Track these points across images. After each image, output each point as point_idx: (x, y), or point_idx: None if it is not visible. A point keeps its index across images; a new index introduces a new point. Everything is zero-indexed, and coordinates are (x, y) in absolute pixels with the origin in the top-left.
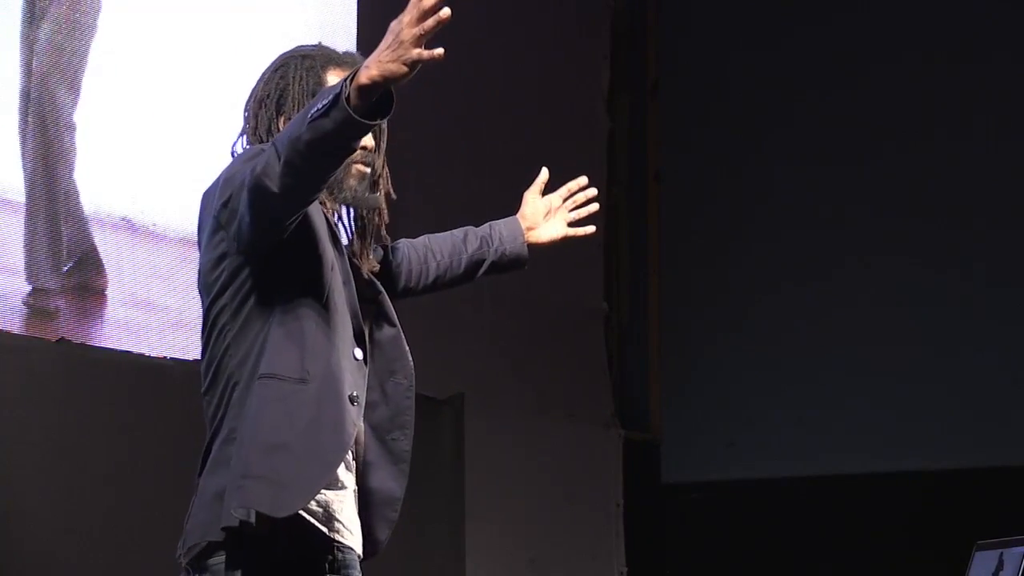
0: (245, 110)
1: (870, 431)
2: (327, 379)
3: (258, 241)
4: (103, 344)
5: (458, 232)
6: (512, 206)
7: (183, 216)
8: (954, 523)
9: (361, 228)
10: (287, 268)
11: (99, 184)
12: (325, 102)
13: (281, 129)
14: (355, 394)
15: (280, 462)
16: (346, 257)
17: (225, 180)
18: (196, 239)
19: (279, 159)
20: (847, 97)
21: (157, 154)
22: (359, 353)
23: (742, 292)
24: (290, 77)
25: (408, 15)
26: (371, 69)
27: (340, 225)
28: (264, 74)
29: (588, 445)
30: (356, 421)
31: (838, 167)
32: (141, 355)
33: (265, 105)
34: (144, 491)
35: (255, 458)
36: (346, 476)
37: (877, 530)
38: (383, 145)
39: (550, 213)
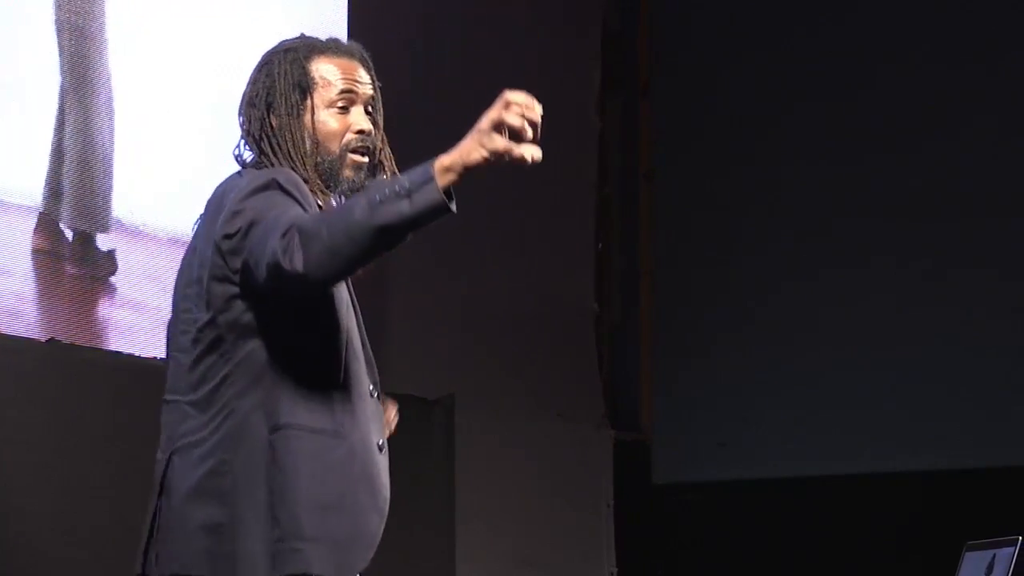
0: (239, 114)
1: (861, 432)
2: (359, 431)
3: (273, 299)
4: (93, 345)
5: None
6: (500, 208)
7: (173, 216)
8: (944, 523)
9: None
10: (303, 313)
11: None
12: (400, 186)
13: (274, 128)
14: (381, 442)
15: (335, 524)
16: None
17: (234, 213)
18: (188, 239)
19: (319, 241)
20: (839, 96)
21: (147, 155)
22: (373, 389)
23: (734, 292)
24: (275, 73)
25: (512, 110)
26: (471, 154)
27: None
28: (252, 75)
29: (579, 445)
30: (385, 468)
31: (830, 166)
32: (132, 356)
33: (255, 105)
34: (135, 492)
35: (307, 519)
36: None
37: (868, 531)
38: (380, 122)
39: None
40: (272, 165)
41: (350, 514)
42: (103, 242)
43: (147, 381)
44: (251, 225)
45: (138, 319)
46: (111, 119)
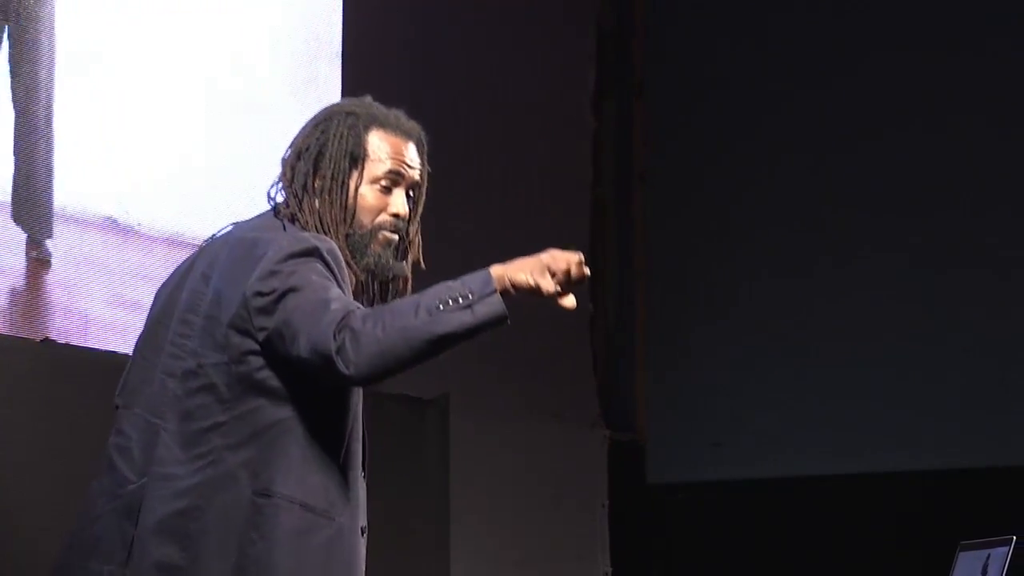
0: (283, 159)
1: (855, 432)
2: (349, 515)
3: (302, 373)
4: (88, 344)
5: None
6: (495, 209)
7: (168, 216)
8: (939, 523)
9: (382, 295)
10: (322, 390)
11: (84, 183)
12: (461, 296)
13: (315, 187)
14: (365, 524)
15: None
16: None
17: (271, 273)
18: (183, 239)
19: (374, 343)
20: (833, 96)
21: (142, 153)
22: (363, 472)
23: (728, 293)
24: (331, 133)
25: (564, 263)
26: (523, 276)
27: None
28: (306, 126)
29: (574, 446)
30: (363, 554)
31: (825, 165)
32: (127, 355)
33: (303, 159)
34: None
35: None
36: None
37: (862, 530)
38: (419, 212)
39: None
40: (304, 224)
41: None
42: (99, 241)
43: None
44: (288, 291)
45: (133, 319)
46: (49, 107)
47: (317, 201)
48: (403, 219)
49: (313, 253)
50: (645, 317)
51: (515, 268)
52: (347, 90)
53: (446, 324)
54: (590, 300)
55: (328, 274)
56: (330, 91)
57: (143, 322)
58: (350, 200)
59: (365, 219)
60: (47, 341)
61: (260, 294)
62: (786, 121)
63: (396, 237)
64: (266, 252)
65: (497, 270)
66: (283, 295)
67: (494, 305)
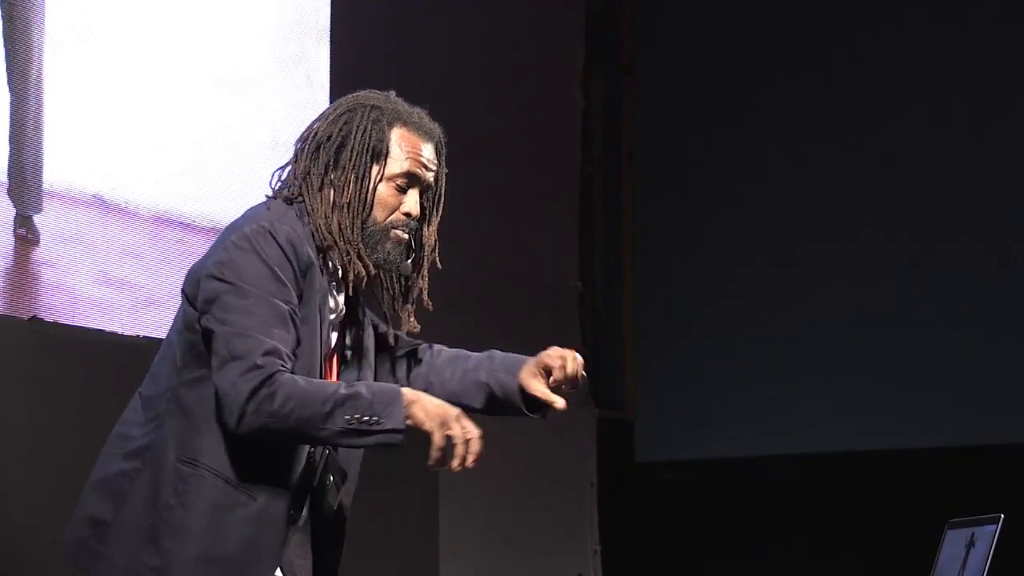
0: (299, 143)
1: (843, 410)
2: (273, 496)
3: None
4: (75, 323)
5: (481, 353)
6: (484, 187)
7: (155, 194)
8: (927, 502)
9: (390, 292)
10: None
11: (71, 161)
12: (371, 422)
13: (333, 178)
14: (295, 511)
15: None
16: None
17: (219, 262)
18: (172, 218)
19: (271, 422)
20: (824, 77)
21: (129, 132)
22: (315, 454)
23: (717, 272)
24: (354, 125)
25: (461, 431)
26: (421, 415)
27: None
28: (327, 114)
29: (562, 424)
30: (289, 540)
31: (814, 147)
32: (113, 333)
33: (323, 148)
34: None
35: (183, 564)
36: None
37: (850, 509)
38: (439, 215)
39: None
40: (312, 210)
41: (229, 573)
42: (85, 219)
43: (129, 359)
44: (232, 291)
45: (120, 297)
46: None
47: (334, 192)
48: (415, 219)
49: (271, 237)
50: (633, 296)
51: (420, 406)
52: (334, 67)
53: (339, 439)
54: (579, 278)
55: (283, 265)
56: (317, 68)
57: (130, 300)
58: (368, 195)
59: (380, 215)
60: (35, 319)
61: (212, 277)
62: (775, 100)
63: (407, 237)
64: (230, 235)
65: (407, 398)
66: (227, 293)
67: (390, 438)
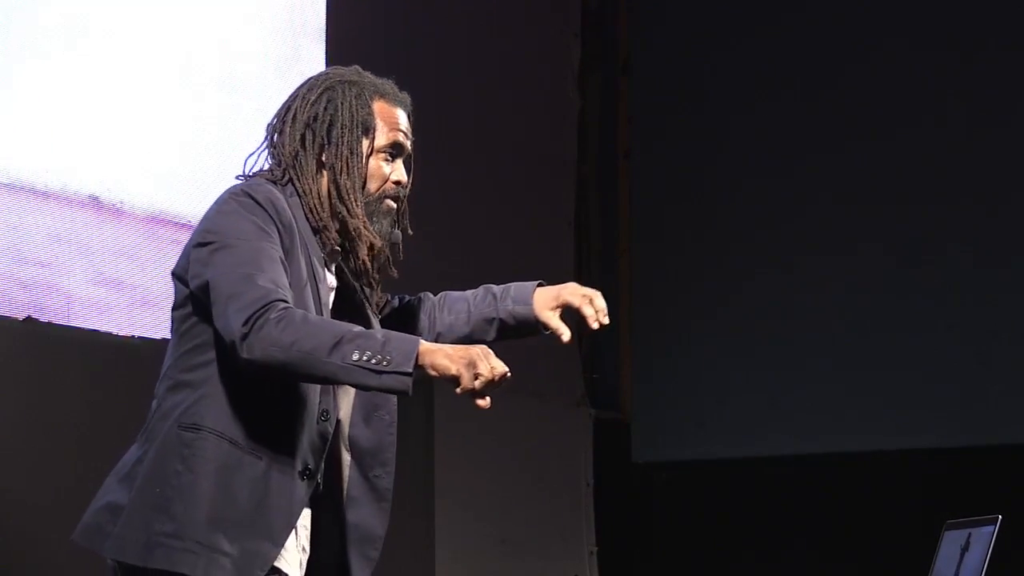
0: (279, 122)
1: (839, 412)
2: (280, 454)
3: None
4: (70, 323)
5: (475, 291)
6: (480, 185)
7: (150, 194)
8: (924, 503)
9: (379, 259)
10: None
11: (66, 162)
12: (378, 361)
13: (323, 158)
14: (309, 467)
15: (222, 539)
16: (321, 297)
17: (205, 230)
18: (166, 218)
19: (275, 349)
20: (821, 79)
21: (124, 132)
22: (324, 415)
23: (713, 272)
24: (339, 103)
25: (489, 370)
26: (446, 362)
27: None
28: (301, 92)
29: (558, 425)
30: (304, 497)
31: (809, 147)
32: (108, 334)
33: (312, 128)
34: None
35: (195, 526)
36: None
37: (848, 509)
38: (410, 180)
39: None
40: (307, 192)
41: (243, 534)
42: (80, 219)
43: (124, 359)
44: (222, 247)
45: (115, 297)
46: None
47: (331, 171)
48: (404, 187)
49: (248, 196)
50: (630, 296)
51: (443, 353)
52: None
53: (347, 375)
54: (575, 277)
55: (266, 219)
56: (313, 68)
57: (125, 300)
58: (363, 168)
59: (373, 187)
60: (29, 320)
61: (199, 245)
62: (771, 101)
63: (395, 205)
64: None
65: (424, 347)
66: (215, 251)
67: (401, 382)
